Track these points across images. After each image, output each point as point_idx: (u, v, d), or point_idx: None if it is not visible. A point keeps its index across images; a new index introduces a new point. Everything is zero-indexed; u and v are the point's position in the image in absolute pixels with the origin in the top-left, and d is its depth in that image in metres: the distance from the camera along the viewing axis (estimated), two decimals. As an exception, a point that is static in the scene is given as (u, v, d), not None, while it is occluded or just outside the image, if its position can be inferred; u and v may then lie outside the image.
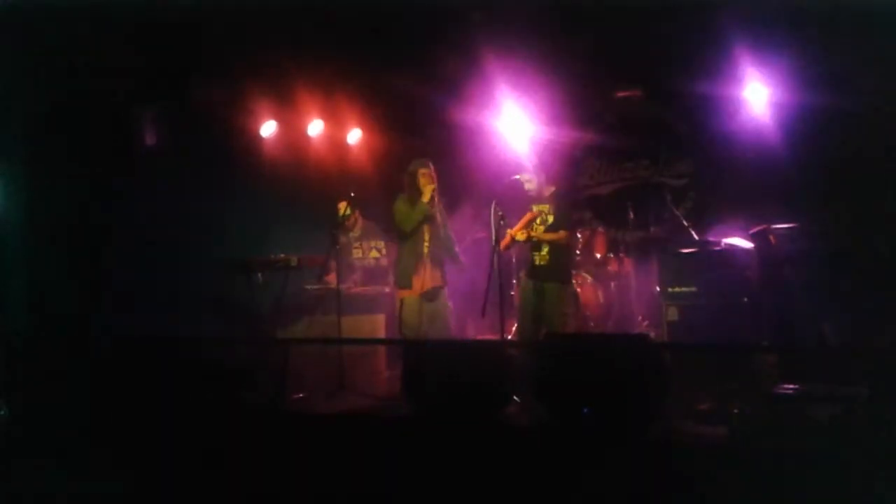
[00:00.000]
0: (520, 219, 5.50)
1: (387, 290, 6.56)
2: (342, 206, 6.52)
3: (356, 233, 6.80)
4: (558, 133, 7.54)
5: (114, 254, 6.19)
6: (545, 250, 5.52)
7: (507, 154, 6.96)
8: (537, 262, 5.55)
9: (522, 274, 5.78)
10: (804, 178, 6.17)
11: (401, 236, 5.74)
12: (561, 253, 5.58)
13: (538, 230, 5.48)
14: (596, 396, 4.02)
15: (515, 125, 7.19)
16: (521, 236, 5.46)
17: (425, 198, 5.57)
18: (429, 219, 5.64)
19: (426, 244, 5.67)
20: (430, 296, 5.65)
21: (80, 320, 5.84)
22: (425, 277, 5.61)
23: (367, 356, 6.05)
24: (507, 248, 5.59)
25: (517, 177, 5.61)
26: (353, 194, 6.40)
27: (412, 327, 5.58)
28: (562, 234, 5.51)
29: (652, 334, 5.88)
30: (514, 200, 5.60)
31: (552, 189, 5.66)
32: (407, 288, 5.62)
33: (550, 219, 5.52)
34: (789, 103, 6.34)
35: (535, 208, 5.53)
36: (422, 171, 5.66)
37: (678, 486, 3.49)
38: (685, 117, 7.39)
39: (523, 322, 5.71)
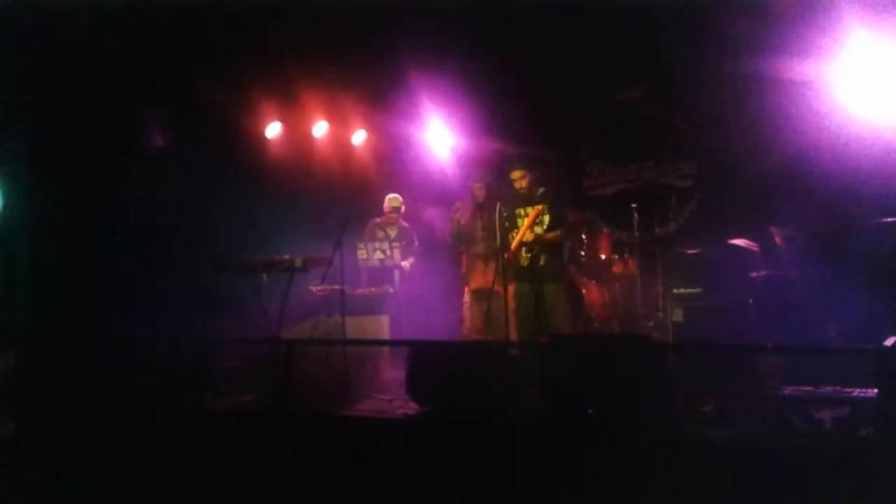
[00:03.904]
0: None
1: (391, 290, 6.55)
2: (392, 198, 6.81)
3: (392, 232, 6.88)
4: (559, 133, 7.56)
5: (116, 254, 6.19)
6: (543, 252, 5.54)
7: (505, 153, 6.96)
8: (536, 263, 5.56)
9: (512, 278, 5.76)
10: (809, 179, 6.14)
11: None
12: (556, 253, 5.69)
13: (539, 231, 5.53)
14: (599, 397, 4.01)
15: (516, 124, 7.19)
16: (529, 236, 5.52)
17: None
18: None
19: None
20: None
21: (83, 321, 5.83)
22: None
23: (371, 357, 6.04)
24: (513, 254, 5.63)
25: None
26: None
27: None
28: (558, 233, 5.61)
29: (657, 335, 5.86)
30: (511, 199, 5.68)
31: (542, 189, 5.69)
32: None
33: (546, 219, 5.57)
34: (794, 103, 6.31)
35: (528, 210, 5.57)
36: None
37: (682, 487, 3.48)
38: (690, 118, 7.37)
39: (524, 326, 5.70)
